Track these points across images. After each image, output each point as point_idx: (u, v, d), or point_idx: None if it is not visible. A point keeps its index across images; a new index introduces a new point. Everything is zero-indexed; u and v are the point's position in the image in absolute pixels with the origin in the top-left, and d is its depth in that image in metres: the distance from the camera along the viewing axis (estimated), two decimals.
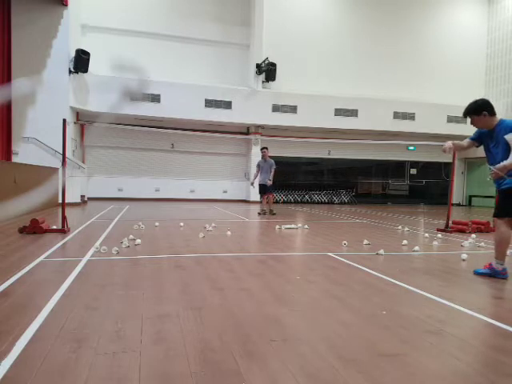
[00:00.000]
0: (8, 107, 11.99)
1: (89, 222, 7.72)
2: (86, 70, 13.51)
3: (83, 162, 15.05)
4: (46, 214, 8.79)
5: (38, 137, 12.43)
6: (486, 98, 3.94)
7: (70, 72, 13.18)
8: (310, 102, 16.62)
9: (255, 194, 12.14)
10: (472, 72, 19.16)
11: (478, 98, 3.96)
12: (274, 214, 10.49)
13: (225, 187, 17.60)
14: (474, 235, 6.67)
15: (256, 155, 15.06)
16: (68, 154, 8.54)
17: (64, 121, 6.27)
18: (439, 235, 6.99)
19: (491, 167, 3.73)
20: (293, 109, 16.58)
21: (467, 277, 3.88)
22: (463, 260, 4.68)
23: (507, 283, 3.66)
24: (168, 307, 2.69)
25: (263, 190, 10.71)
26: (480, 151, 4.01)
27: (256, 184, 10.91)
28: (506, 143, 3.63)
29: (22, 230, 5.97)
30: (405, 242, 5.88)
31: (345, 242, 5.72)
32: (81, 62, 13.14)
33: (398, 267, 4.23)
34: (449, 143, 4.08)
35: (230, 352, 2.01)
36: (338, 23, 17.71)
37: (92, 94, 14.44)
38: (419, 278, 3.80)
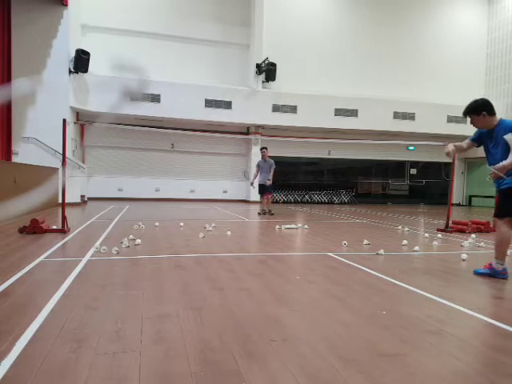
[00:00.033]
0: (8, 107, 11.99)
1: (89, 222, 7.72)
2: (85, 70, 13.51)
3: (83, 162, 15.05)
4: (46, 214, 8.79)
5: (38, 137, 12.43)
6: (486, 97, 3.94)
7: (70, 72, 13.18)
8: (310, 102, 16.63)
9: (255, 194, 12.15)
10: (472, 72, 19.17)
11: (478, 97, 3.96)
12: (272, 214, 10.48)
13: (225, 187, 17.61)
14: (473, 235, 6.67)
15: (256, 155, 15.06)
16: (68, 154, 8.54)
17: (64, 121, 6.27)
18: (439, 235, 6.99)
19: (490, 167, 3.73)
20: (293, 109, 16.59)
21: (467, 277, 3.88)
22: (463, 260, 4.68)
23: (507, 283, 3.66)
24: (168, 307, 2.69)
25: (262, 189, 10.72)
26: (480, 151, 4.01)
27: (256, 184, 10.91)
28: (506, 143, 3.63)
29: (22, 230, 5.97)
30: (405, 241, 5.88)
31: (345, 241, 5.72)
32: (81, 62, 13.14)
33: (398, 267, 4.23)
34: (450, 146, 4.04)
35: (230, 352, 2.01)
36: (338, 23, 17.71)
37: (92, 93, 14.44)
38: (419, 278, 3.80)
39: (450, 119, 17.96)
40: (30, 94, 12.42)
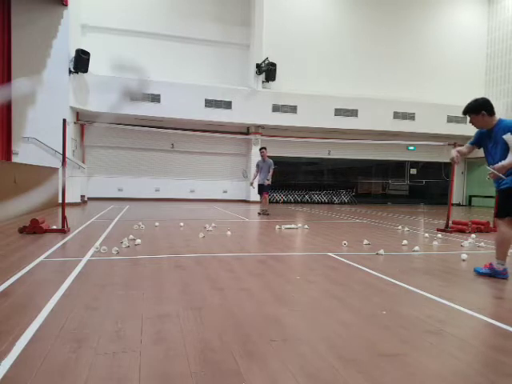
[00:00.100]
0: (8, 107, 12.00)
1: (89, 222, 7.72)
2: (86, 70, 13.52)
3: (83, 162, 15.05)
4: (46, 214, 8.79)
5: (38, 137, 12.43)
6: (486, 97, 3.94)
7: (70, 72, 13.18)
8: (310, 102, 16.63)
9: (255, 194, 12.15)
10: (472, 72, 19.17)
11: (478, 97, 3.96)
12: (267, 214, 10.46)
13: (225, 187, 17.61)
14: (473, 235, 6.67)
15: (256, 155, 15.06)
16: (68, 154, 8.54)
17: (64, 121, 6.27)
18: (439, 235, 6.99)
19: (489, 167, 3.73)
20: (293, 109, 16.59)
21: (467, 277, 3.88)
22: (463, 260, 4.68)
23: (507, 283, 3.66)
24: (168, 307, 2.69)
25: (261, 189, 10.73)
26: (480, 151, 4.02)
27: (255, 184, 10.92)
28: (505, 143, 3.63)
29: (22, 230, 5.97)
30: (405, 241, 5.88)
31: (345, 241, 5.72)
32: (81, 62, 13.15)
33: (397, 267, 4.23)
34: (454, 151, 4.03)
35: (230, 352, 2.01)
36: (338, 23, 17.71)
37: (92, 93, 14.44)
38: (419, 278, 3.80)
39: (450, 119, 17.97)
40: (29, 93, 12.42)
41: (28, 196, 8.99)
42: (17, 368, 1.80)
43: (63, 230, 6.10)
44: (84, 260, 4.16)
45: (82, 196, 13.61)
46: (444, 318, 2.62)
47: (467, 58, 19.10)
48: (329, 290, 3.23)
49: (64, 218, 6.18)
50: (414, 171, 20.23)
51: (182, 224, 7.54)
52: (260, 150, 10.86)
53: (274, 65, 15.94)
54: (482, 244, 5.93)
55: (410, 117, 17.74)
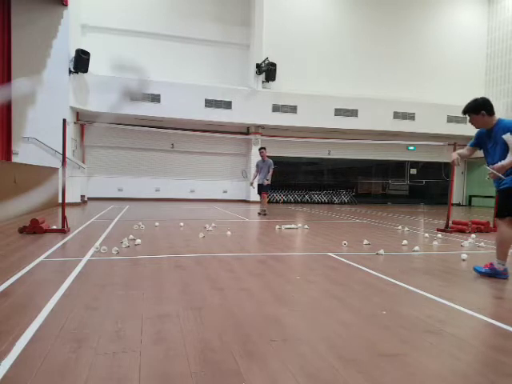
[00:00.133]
0: (8, 107, 12.00)
1: (89, 222, 7.72)
2: (86, 70, 13.52)
3: (83, 162, 15.05)
4: (46, 214, 8.79)
5: (38, 137, 12.43)
6: (486, 97, 3.94)
7: (70, 72, 13.18)
8: (310, 102, 16.63)
9: (255, 194, 12.15)
10: (472, 72, 19.17)
11: (478, 96, 3.97)
12: (265, 214, 10.45)
13: (225, 187, 17.61)
14: (473, 235, 6.67)
15: (256, 155, 15.05)
16: (68, 154, 8.54)
17: (64, 121, 6.27)
18: (439, 235, 6.99)
19: (489, 167, 3.74)
20: (293, 109, 16.59)
21: (467, 277, 3.88)
22: (463, 260, 4.68)
23: (507, 283, 3.66)
24: (168, 307, 2.69)
25: (260, 189, 10.74)
26: (480, 151, 4.02)
27: (255, 184, 10.92)
28: (504, 143, 3.64)
29: (22, 230, 5.97)
30: (405, 241, 5.88)
31: (345, 241, 5.72)
32: (81, 62, 13.15)
33: (398, 267, 4.23)
34: (455, 154, 4.07)
35: (230, 352, 2.01)
36: (338, 23, 17.72)
37: (92, 93, 14.44)
38: (419, 278, 3.79)
39: (450, 119, 17.97)
40: (29, 93, 12.42)
41: (28, 196, 8.99)
42: (17, 368, 1.80)
43: (63, 230, 6.10)
44: (84, 260, 4.16)
45: (82, 196, 13.62)
46: (444, 318, 2.62)
47: (467, 58, 19.10)
48: (329, 290, 3.23)
49: (64, 218, 6.18)
50: (414, 171, 20.24)
51: (181, 224, 7.53)
52: (259, 150, 10.86)
53: (274, 65, 15.94)
54: (482, 244, 5.93)
55: (410, 117, 17.74)
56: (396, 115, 17.59)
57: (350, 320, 2.54)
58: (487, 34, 19.44)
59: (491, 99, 4.01)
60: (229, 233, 6.50)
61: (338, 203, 18.65)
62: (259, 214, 10.64)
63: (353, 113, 17.18)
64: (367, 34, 17.91)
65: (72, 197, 11.82)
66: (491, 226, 7.73)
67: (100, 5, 15.39)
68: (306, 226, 7.78)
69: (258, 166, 10.86)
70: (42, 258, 4.23)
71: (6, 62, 11.95)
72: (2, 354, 1.92)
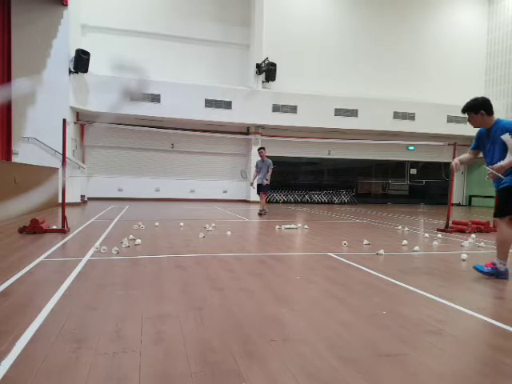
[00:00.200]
0: (8, 107, 11.99)
1: (89, 222, 7.72)
2: (86, 70, 13.51)
3: (83, 162, 15.05)
4: (46, 214, 8.79)
5: (38, 137, 12.43)
6: (486, 97, 3.95)
7: (70, 72, 13.17)
8: (310, 102, 16.63)
9: (255, 194, 12.15)
10: (472, 72, 19.17)
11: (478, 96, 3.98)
12: (261, 214, 10.41)
13: (225, 187, 17.61)
14: (473, 235, 6.67)
15: (256, 155, 15.06)
16: (68, 154, 8.54)
17: (64, 121, 6.27)
18: (439, 235, 6.99)
19: (488, 167, 3.75)
20: (293, 109, 16.59)
21: (467, 277, 3.88)
22: (463, 260, 4.69)
23: (508, 283, 3.66)
24: (168, 307, 2.69)
25: (259, 189, 10.75)
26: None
27: (255, 184, 10.93)
28: (503, 143, 3.64)
29: (22, 230, 5.97)
30: (405, 241, 5.88)
31: (345, 242, 5.72)
32: (81, 62, 13.14)
33: (397, 267, 4.23)
34: (455, 160, 4.11)
35: (229, 352, 2.01)
36: (338, 23, 17.71)
37: (92, 93, 14.44)
38: (419, 278, 3.79)
39: (450, 119, 17.96)
40: (29, 93, 12.42)
41: (28, 196, 8.99)
42: (17, 368, 1.80)
43: (63, 230, 6.10)
44: (84, 260, 4.16)
45: (82, 196, 13.62)
46: (444, 318, 2.62)
47: (467, 58, 19.10)
48: (329, 290, 3.23)
49: (64, 218, 6.18)
50: (414, 171, 20.23)
51: (181, 224, 7.54)
52: (258, 150, 10.87)
53: (274, 65, 15.93)
54: (482, 244, 5.93)
55: (410, 117, 17.74)
56: (396, 115, 17.59)
57: (350, 320, 2.54)
58: (487, 33, 19.44)
59: (491, 99, 4.02)
60: (229, 233, 6.50)
61: (338, 203, 18.65)
62: (259, 214, 10.64)
63: (353, 113, 17.17)
64: (367, 33, 17.92)
65: (72, 197, 11.82)
66: (491, 226, 7.74)
67: (100, 5, 15.39)
68: (306, 226, 7.78)
69: (257, 166, 10.88)
70: (41, 257, 4.23)
71: (6, 62, 11.94)
72: (1, 353, 1.92)
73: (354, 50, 17.80)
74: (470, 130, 4.48)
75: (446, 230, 7.70)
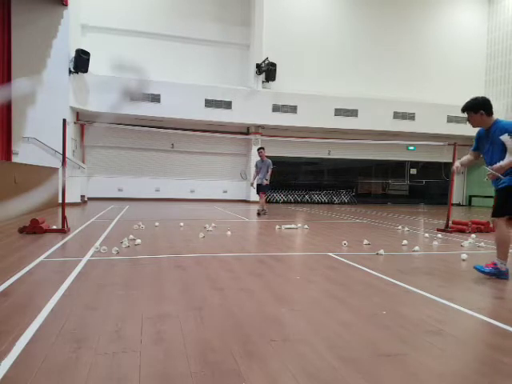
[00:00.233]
0: (8, 107, 11.99)
1: (89, 222, 7.72)
2: (86, 70, 13.51)
3: (83, 162, 15.05)
4: (46, 214, 8.79)
5: (38, 137, 12.42)
6: (486, 97, 3.95)
7: (70, 72, 13.17)
8: (310, 102, 16.63)
9: (255, 194, 12.16)
10: (472, 72, 19.17)
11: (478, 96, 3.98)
12: (260, 214, 10.41)
13: (225, 187, 17.61)
14: (473, 235, 6.67)
15: (256, 155, 15.06)
16: (68, 154, 8.54)
17: (64, 121, 6.27)
18: (439, 235, 6.99)
19: (488, 168, 3.75)
20: (293, 109, 16.59)
21: (467, 277, 3.88)
22: (463, 260, 4.69)
23: (508, 283, 3.66)
24: (168, 307, 2.69)
25: (258, 189, 10.75)
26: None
27: (255, 184, 10.93)
28: (502, 144, 3.65)
29: (22, 230, 5.97)
30: (405, 241, 5.88)
31: (345, 242, 5.72)
32: (81, 62, 13.14)
33: (397, 267, 4.23)
34: (456, 162, 4.15)
35: (229, 352, 2.01)
36: (338, 23, 17.72)
37: (92, 94, 14.44)
38: (419, 278, 3.80)
39: (450, 119, 17.96)
40: (29, 93, 12.41)
41: (28, 196, 8.99)
42: (17, 368, 1.80)
43: (63, 230, 6.10)
44: (84, 260, 4.16)
45: (82, 196, 13.61)
46: (444, 318, 2.62)
47: (467, 58, 19.10)
48: (329, 290, 3.23)
49: (64, 218, 6.18)
50: (414, 171, 20.23)
51: (181, 224, 7.54)
52: (258, 150, 10.87)
53: (273, 65, 15.93)
54: (482, 244, 5.94)
55: (410, 117, 17.74)
56: (396, 115, 17.59)
57: (350, 320, 2.54)
58: (487, 34, 19.44)
59: (491, 99, 4.02)
60: (229, 233, 6.50)
61: (338, 203, 18.65)
62: (258, 213, 10.63)
63: (353, 113, 17.17)
64: (367, 33, 17.92)
65: (72, 197, 11.81)
66: (491, 226, 7.73)
67: (100, 5, 15.39)
68: (306, 226, 7.78)
69: (257, 166, 10.88)
70: (41, 257, 4.23)
71: (6, 62, 11.94)
72: (1, 353, 1.92)
73: (353, 50, 17.80)
74: (470, 130, 4.49)
75: (446, 230, 7.70)
